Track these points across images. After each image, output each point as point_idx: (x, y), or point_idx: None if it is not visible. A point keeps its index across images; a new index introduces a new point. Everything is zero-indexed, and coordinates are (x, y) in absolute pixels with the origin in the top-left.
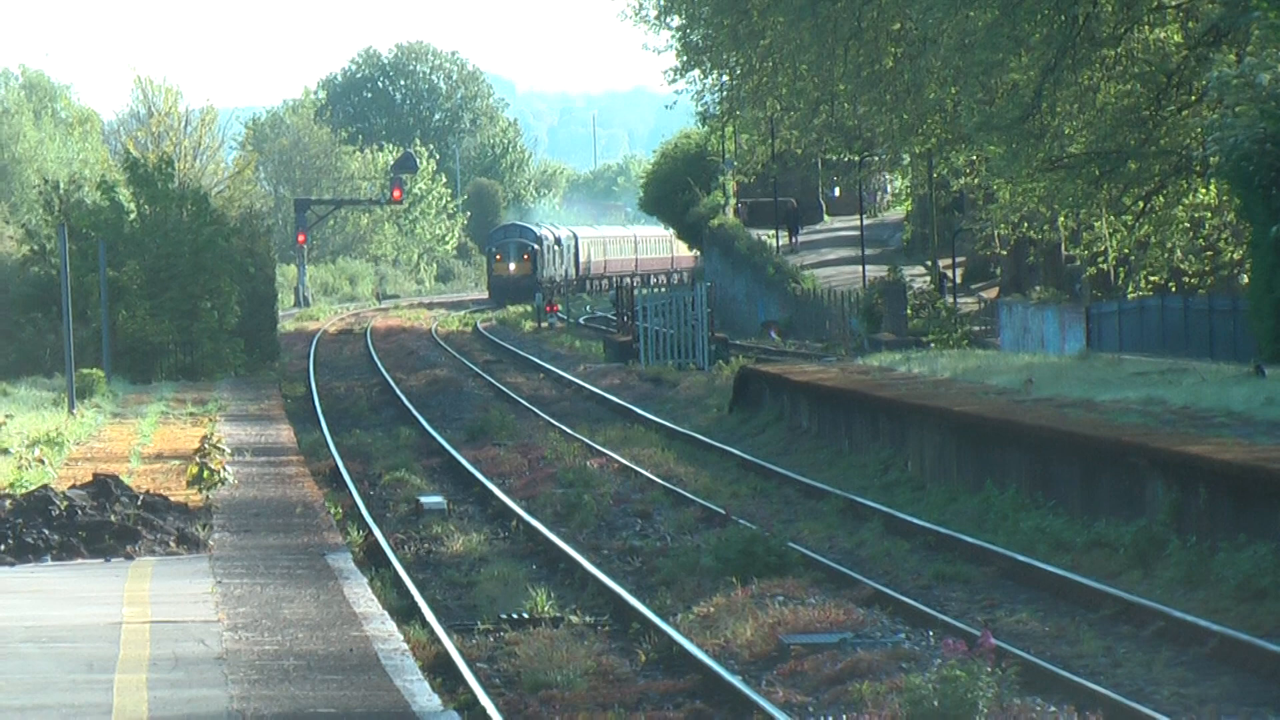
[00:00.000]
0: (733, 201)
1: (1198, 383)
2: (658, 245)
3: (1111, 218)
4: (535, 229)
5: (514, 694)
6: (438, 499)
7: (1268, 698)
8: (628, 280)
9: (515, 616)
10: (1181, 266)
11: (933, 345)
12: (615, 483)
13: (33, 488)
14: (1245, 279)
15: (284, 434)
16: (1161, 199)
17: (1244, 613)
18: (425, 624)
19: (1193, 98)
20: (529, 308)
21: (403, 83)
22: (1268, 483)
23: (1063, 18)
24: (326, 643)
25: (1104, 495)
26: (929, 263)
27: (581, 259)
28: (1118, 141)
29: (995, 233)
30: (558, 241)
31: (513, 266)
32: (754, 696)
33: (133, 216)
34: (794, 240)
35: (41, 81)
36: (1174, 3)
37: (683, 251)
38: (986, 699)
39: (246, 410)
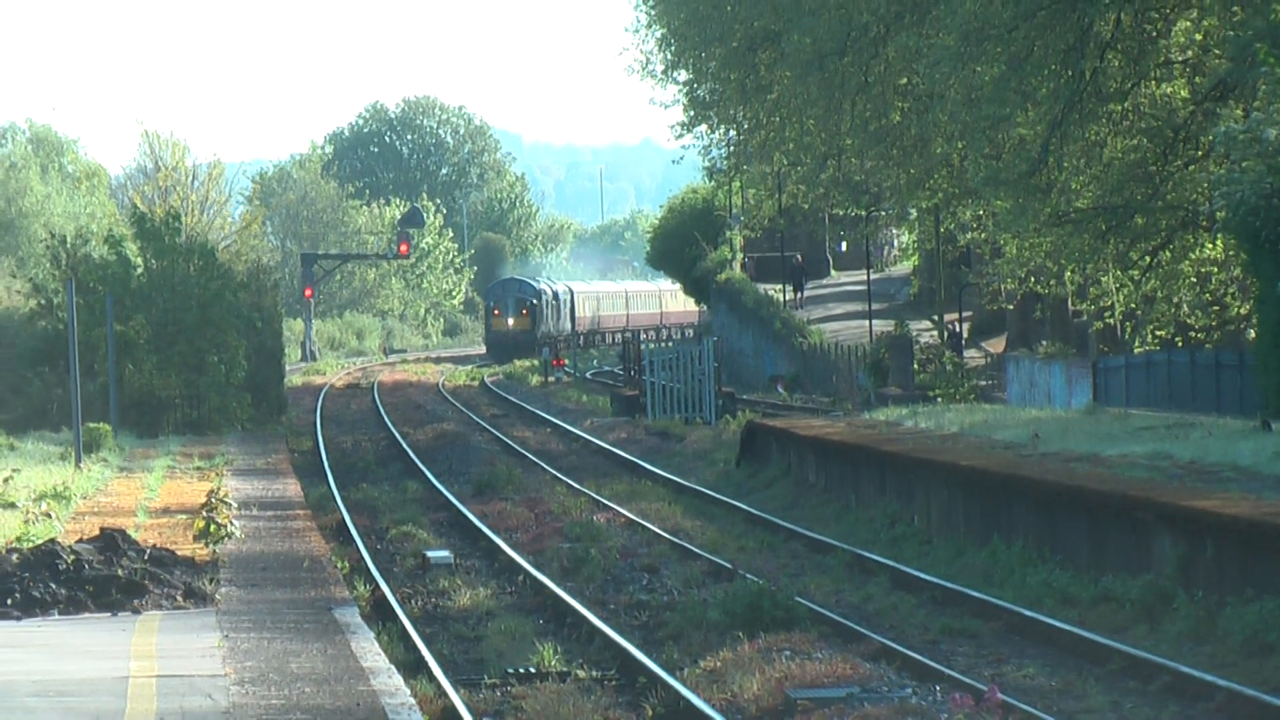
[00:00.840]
0: (740, 256)
1: (1204, 437)
2: (647, 300)
3: (1118, 272)
4: (534, 283)
5: None
6: (444, 553)
7: None
8: (624, 335)
9: (522, 671)
10: (1188, 321)
11: (939, 400)
12: (622, 537)
13: (39, 542)
14: (1252, 334)
15: (291, 488)
16: (1168, 254)
17: (1251, 668)
18: (432, 678)
19: (1199, 153)
20: (535, 362)
21: (409, 137)
22: (1275, 537)
23: (1069, 73)
24: (333, 697)
25: (1111, 550)
26: (935, 317)
27: (578, 314)
28: (1124, 196)
29: (1002, 287)
30: (555, 296)
31: (511, 321)
32: None
33: (140, 271)
34: (799, 296)
35: (49, 136)
36: (1181, 58)
37: (674, 306)
38: None
39: (253, 464)
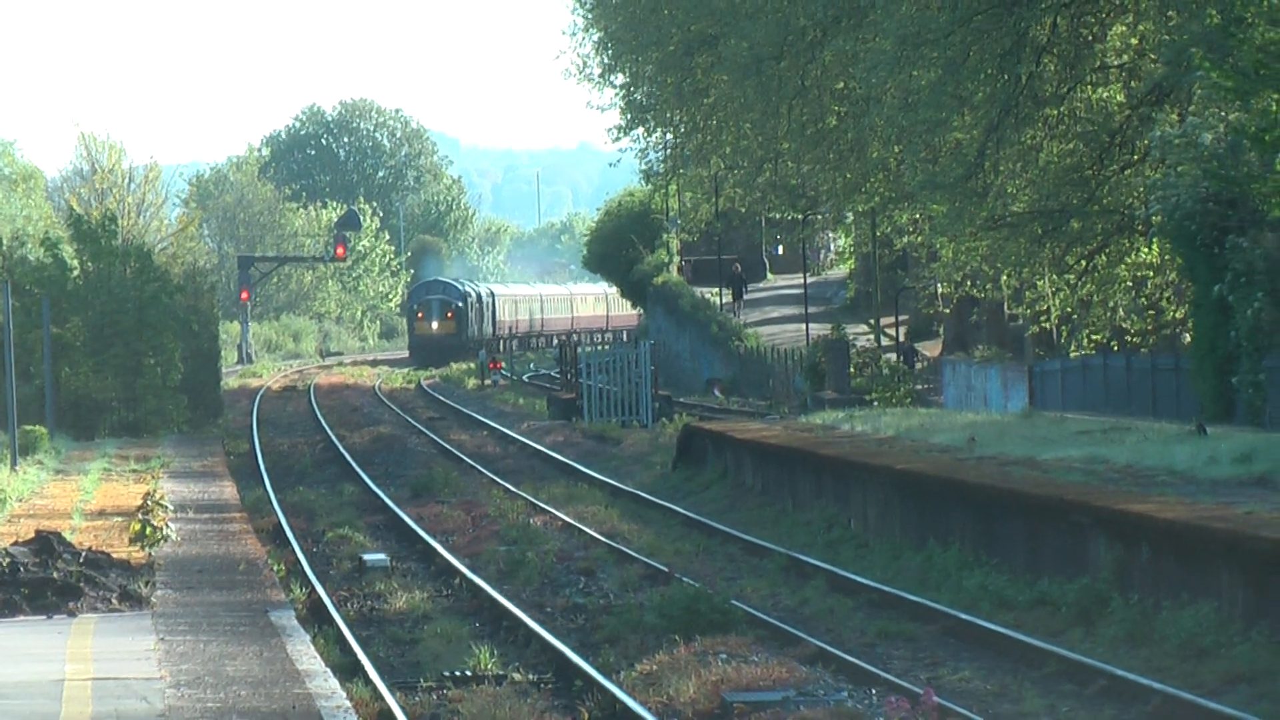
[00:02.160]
0: (676, 259)
1: (1140, 441)
2: (559, 305)
3: (1054, 276)
4: (459, 285)
5: None
6: (381, 556)
7: None
8: (559, 339)
9: (458, 674)
10: (1124, 325)
11: (876, 403)
12: (559, 540)
13: None
14: (1188, 338)
15: (227, 491)
16: (1104, 258)
17: (1187, 671)
18: (368, 681)
19: (1135, 157)
20: (472, 365)
21: (346, 140)
22: (1210, 541)
23: (1006, 77)
24: (269, 699)
25: (1047, 553)
26: (872, 320)
27: (506, 317)
28: (1060, 200)
29: (938, 291)
30: (481, 299)
31: (435, 325)
32: None
33: (76, 273)
34: (739, 304)
35: None
36: (1117, 63)
37: (589, 310)
38: None
39: (190, 467)
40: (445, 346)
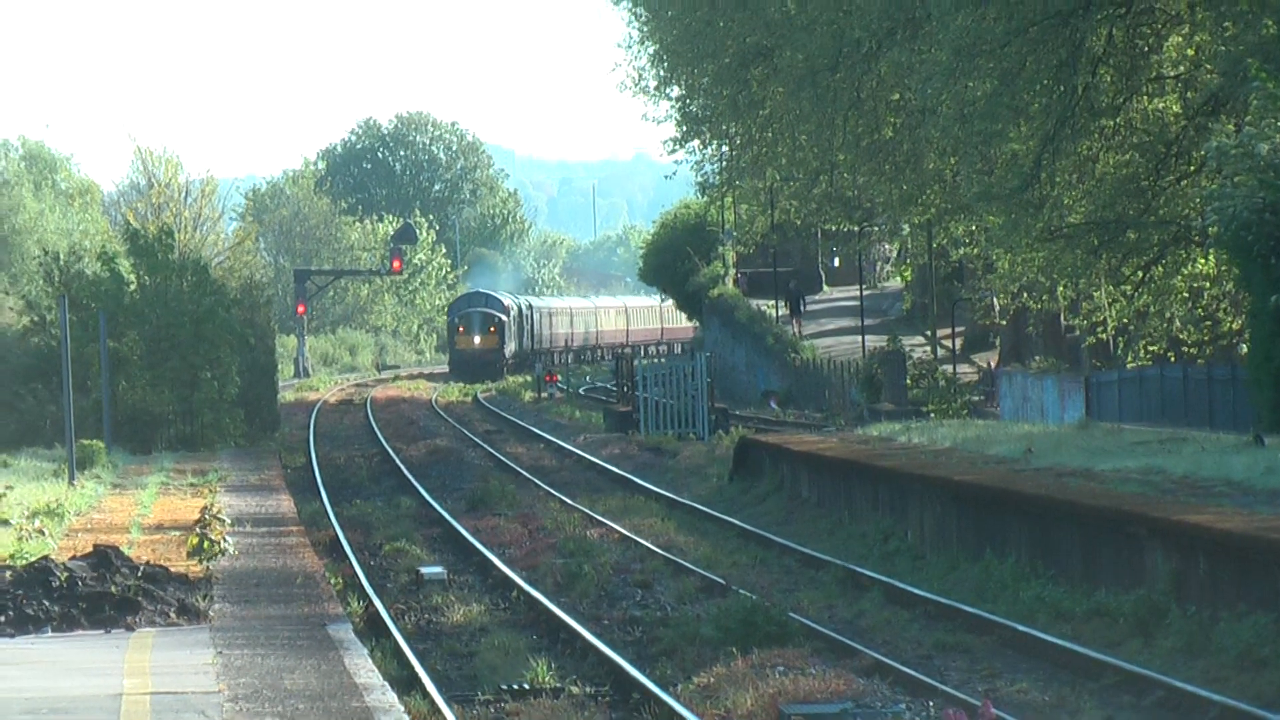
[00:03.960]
0: (732, 271)
1: (1197, 452)
2: (613, 317)
3: (1110, 287)
4: (501, 298)
5: None
6: (438, 569)
7: None
8: (616, 352)
9: (516, 687)
10: (1180, 336)
11: (932, 415)
12: (615, 553)
13: (33, 559)
14: (1244, 348)
15: (284, 504)
16: (1160, 269)
17: (1245, 682)
18: (426, 695)
19: (1192, 167)
20: (528, 378)
21: (402, 153)
22: (1268, 552)
23: (1062, 88)
24: (327, 714)
25: (1104, 564)
26: (928, 332)
27: (551, 330)
28: (1117, 211)
29: (995, 302)
30: (523, 312)
31: (477, 339)
32: None
33: (133, 287)
34: (797, 321)
35: (42, 153)
36: (1173, 73)
37: (642, 323)
38: None
39: (247, 480)
40: (486, 362)
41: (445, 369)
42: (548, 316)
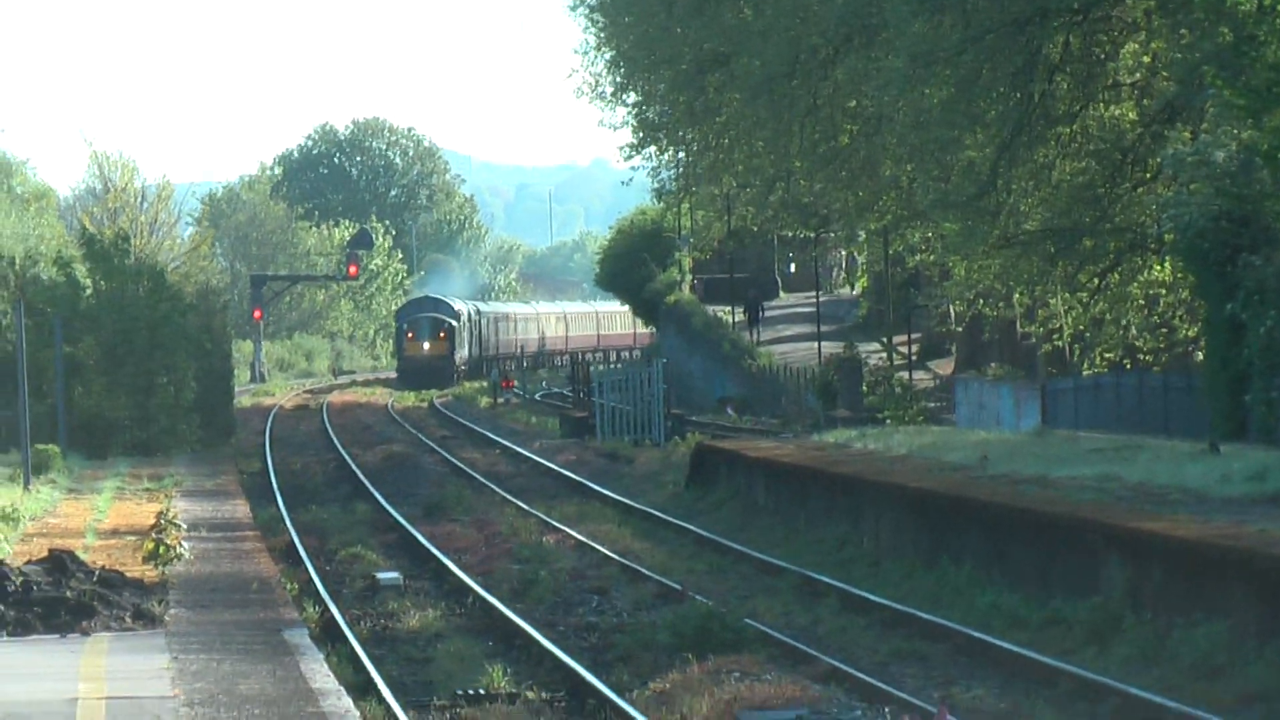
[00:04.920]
0: (689, 278)
1: (1153, 460)
2: (572, 323)
3: (1066, 295)
4: (451, 303)
5: None
6: (394, 575)
7: None
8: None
9: (471, 693)
10: (1136, 344)
11: (888, 421)
12: (572, 559)
13: None
14: (1200, 356)
15: (240, 510)
16: (1116, 276)
17: (1200, 690)
18: (382, 700)
19: (1148, 175)
20: (484, 384)
21: (359, 159)
22: (1223, 560)
23: (1018, 95)
24: (283, 719)
25: (1060, 572)
26: (884, 339)
27: (501, 337)
28: (1073, 219)
29: (951, 309)
30: (473, 317)
31: (427, 346)
32: None
33: (89, 292)
34: (755, 329)
35: None
36: (1129, 81)
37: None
38: None
39: (202, 486)
40: (435, 369)
41: None
42: (503, 322)
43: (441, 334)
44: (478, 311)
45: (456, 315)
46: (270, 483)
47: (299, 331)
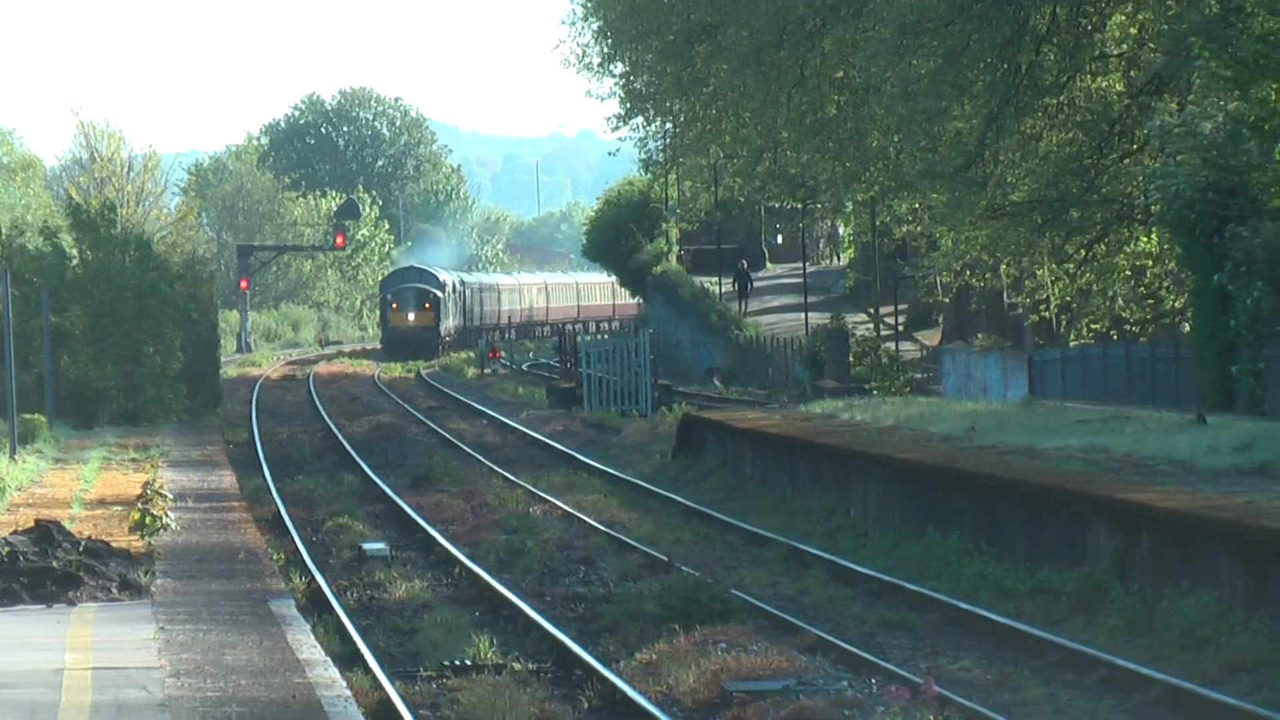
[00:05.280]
0: (676, 249)
1: (1140, 430)
2: (560, 293)
3: (1054, 265)
4: (436, 273)
5: None
6: (380, 545)
7: None
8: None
9: (458, 663)
10: (1123, 314)
11: (875, 392)
12: (559, 529)
13: None
14: (1187, 327)
15: (226, 480)
16: (1103, 247)
17: (1187, 660)
18: (368, 670)
19: (1135, 146)
20: (472, 354)
21: (346, 129)
22: (1210, 530)
23: (1005, 66)
24: (269, 689)
25: (1047, 542)
26: (871, 310)
27: (487, 308)
28: (1060, 190)
29: (938, 280)
30: (458, 288)
31: (411, 316)
32: None
33: (75, 262)
34: (744, 302)
35: None
36: (1116, 52)
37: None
38: None
39: (189, 456)
40: (421, 340)
41: None
42: (490, 293)
43: (427, 305)
44: (462, 282)
45: (442, 286)
46: (257, 453)
47: (285, 302)
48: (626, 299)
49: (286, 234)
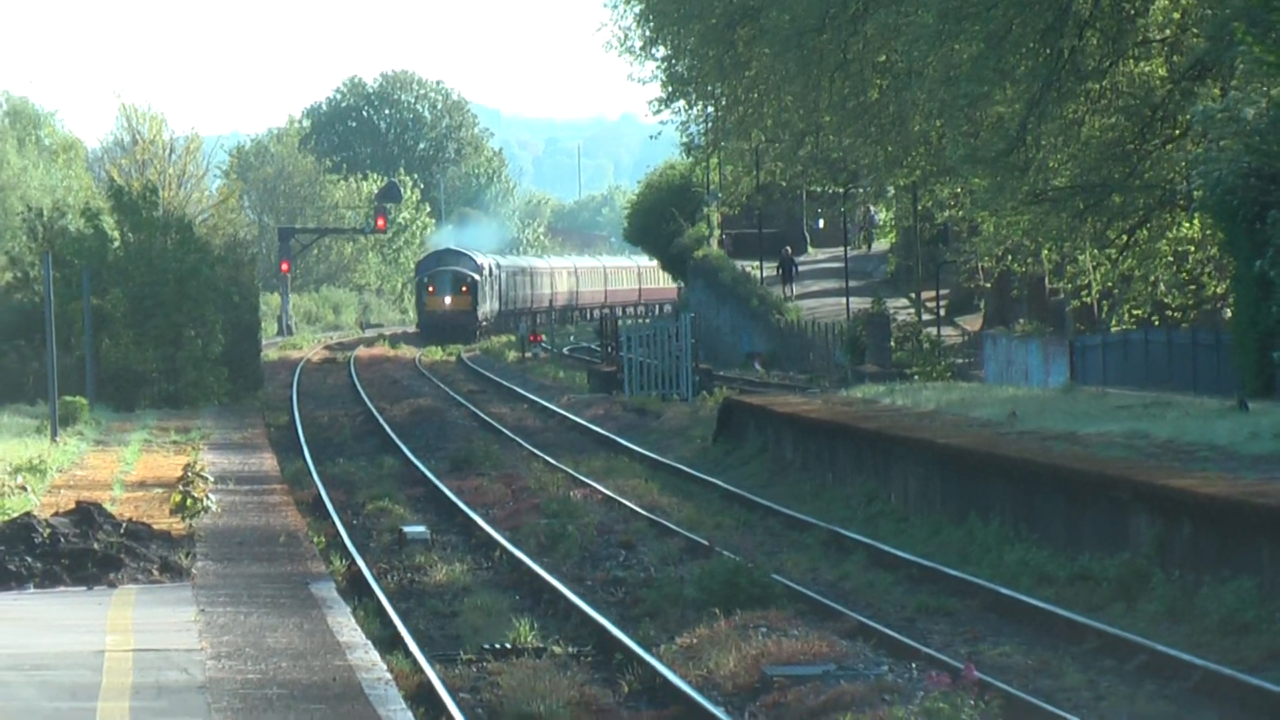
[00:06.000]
0: (717, 233)
1: (1181, 416)
2: (601, 277)
3: (1095, 251)
4: (474, 256)
5: None
6: (421, 529)
7: None
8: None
9: (498, 647)
10: (1165, 300)
11: (916, 377)
12: (599, 513)
13: (15, 515)
14: (1229, 313)
15: (267, 462)
16: (1145, 233)
17: (1228, 647)
18: (408, 654)
19: (1177, 131)
20: (512, 338)
21: (387, 112)
22: (1251, 517)
23: (1048, 51)
24: (310, 672)
25: (1088, 528)
26: (912, 295)
27: (525, 291)
28: (1102, 175)
29: (979, 265)
30: (495, 271)
31: (448, 300)
32: None
33: (117, 244)
34: (788, 287)
35: (26, 109)
36: (1159, 37)
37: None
38: None
39: (230, 439)
40: (458, 324)
41: None
42: (530, 276)
43: (464, 288)
44: (498, 265)
45: (479, 269)
46: (297, 436)
47: (326, 284)
48: (653, 283)
49: (327, 217)
